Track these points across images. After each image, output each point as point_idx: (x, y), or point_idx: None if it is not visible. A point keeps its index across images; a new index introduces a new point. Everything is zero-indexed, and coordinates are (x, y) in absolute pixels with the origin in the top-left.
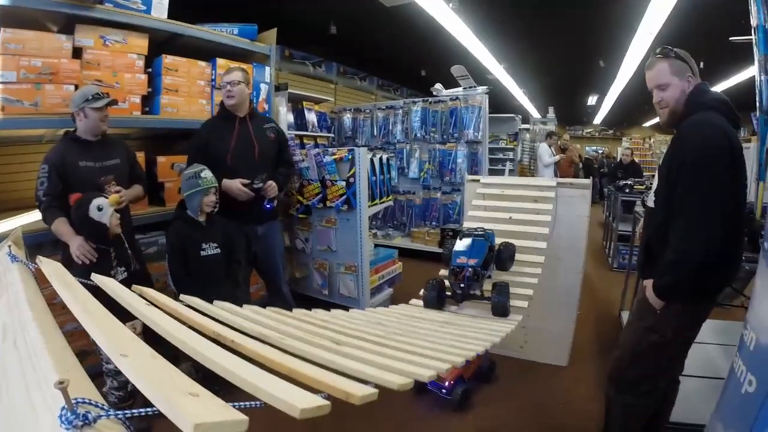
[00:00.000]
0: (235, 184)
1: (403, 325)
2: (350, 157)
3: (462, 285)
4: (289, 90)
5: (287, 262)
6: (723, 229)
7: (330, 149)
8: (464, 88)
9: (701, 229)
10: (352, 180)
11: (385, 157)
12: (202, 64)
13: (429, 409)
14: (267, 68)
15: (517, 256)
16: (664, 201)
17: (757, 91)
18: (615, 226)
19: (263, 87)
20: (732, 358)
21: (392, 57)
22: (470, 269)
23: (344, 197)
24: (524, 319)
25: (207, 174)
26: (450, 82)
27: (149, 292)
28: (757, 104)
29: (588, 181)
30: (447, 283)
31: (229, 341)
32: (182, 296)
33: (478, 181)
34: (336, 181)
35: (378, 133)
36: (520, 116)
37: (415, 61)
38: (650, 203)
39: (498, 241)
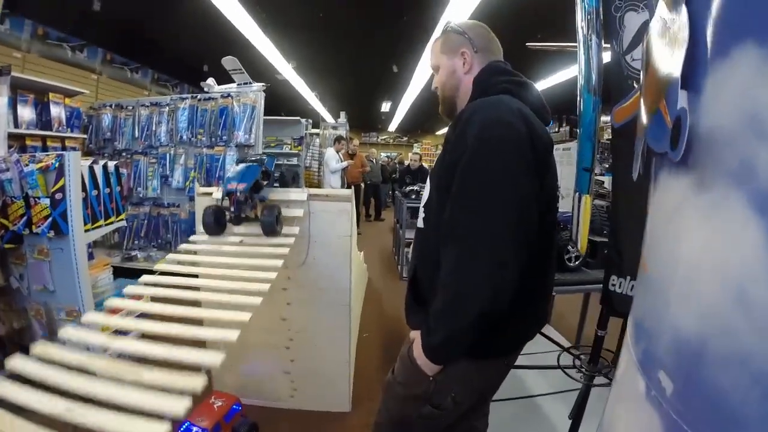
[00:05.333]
0: None
1: None
2: (58, 164)
3: (233, 209)
4: (34, 78)
5: (4, 308)
6: (518, 253)
7: (39, 155)
8: (238, 84)
9: (482, 256)
10: (59, 196)
11: (111, 164)
12: None
13: None
14: None
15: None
16: (435, 217)
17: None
18: (402, 233)
19: None
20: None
21: (171, 47)
22: (239, 193)
23: (50, 220)
24: (288, 364)
25: None
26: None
27: None
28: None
29: (348, 192)
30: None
31: None
32: None
33: (211, 194)
34: (39, 198)
35: (140, 134)
36: (310, 120)
37: (197, 53)
38: (419, 222)
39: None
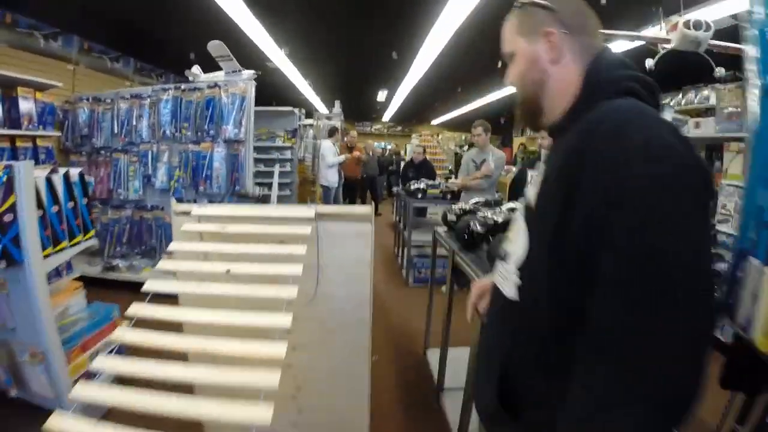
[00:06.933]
0: None
1: None
2: (5, 178)
3: None
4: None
5: None
6: (709, 330)
7: None
8: (226, 72)
9: (677, 338)
10: (9, 217)
11: (74, 172)
12: None
13: None
14: None
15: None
16: (546, 285)
17: None
18: (408, 236)
19: None
20: None
21: (155, 33)
22: None
23: None
24: (296, 415)
25: None
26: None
27: None
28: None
29: (368, 210)
30: None
31: None
32: None
33: (189, 213)
34: None
35: (120, 130)
36: (304, 110)
37: (183, 39)
38: (509, 291)
39: None
